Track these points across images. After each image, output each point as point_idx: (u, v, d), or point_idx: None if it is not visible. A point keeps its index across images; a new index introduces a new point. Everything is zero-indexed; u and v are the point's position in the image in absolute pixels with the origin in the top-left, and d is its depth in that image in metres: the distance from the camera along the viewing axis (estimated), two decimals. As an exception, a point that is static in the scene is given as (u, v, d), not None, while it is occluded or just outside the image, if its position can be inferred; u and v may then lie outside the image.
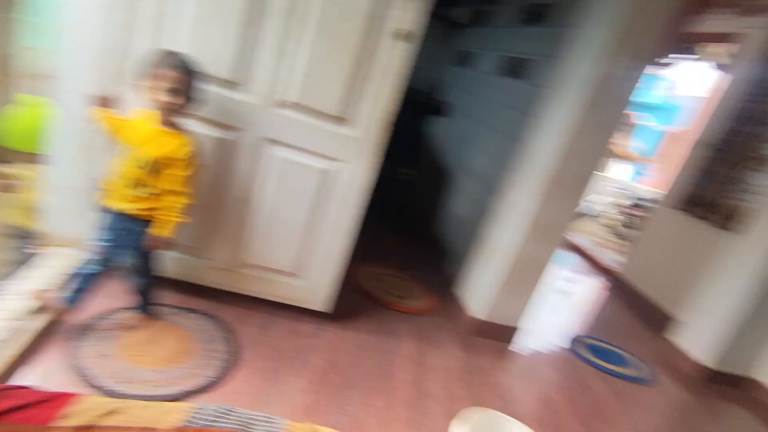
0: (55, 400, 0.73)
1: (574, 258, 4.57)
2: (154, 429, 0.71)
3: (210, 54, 1.68)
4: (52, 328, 1.60)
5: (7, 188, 2.37)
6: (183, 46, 1.65)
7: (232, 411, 0.78)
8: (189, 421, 0.74)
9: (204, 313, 1.94)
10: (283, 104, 1.79)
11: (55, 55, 1.74)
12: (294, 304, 2.12)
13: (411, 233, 3.75)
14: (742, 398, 2.69)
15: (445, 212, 3.55)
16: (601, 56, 2.04)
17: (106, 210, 1.57)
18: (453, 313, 2.66)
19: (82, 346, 1.57)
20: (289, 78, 1.75)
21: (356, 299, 2.48)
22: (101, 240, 1.56)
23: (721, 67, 4.06)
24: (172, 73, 1.45)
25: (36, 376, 1.41)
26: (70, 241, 1.88)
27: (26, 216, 2.04)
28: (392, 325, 2.35)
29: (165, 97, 1.46)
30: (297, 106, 1.80)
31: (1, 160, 2.32)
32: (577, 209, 2.39)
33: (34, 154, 2.12)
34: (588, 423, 2.09)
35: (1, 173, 2.60)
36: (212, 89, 1.72)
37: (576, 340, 2.86)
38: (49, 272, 1.75)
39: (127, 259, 1.67)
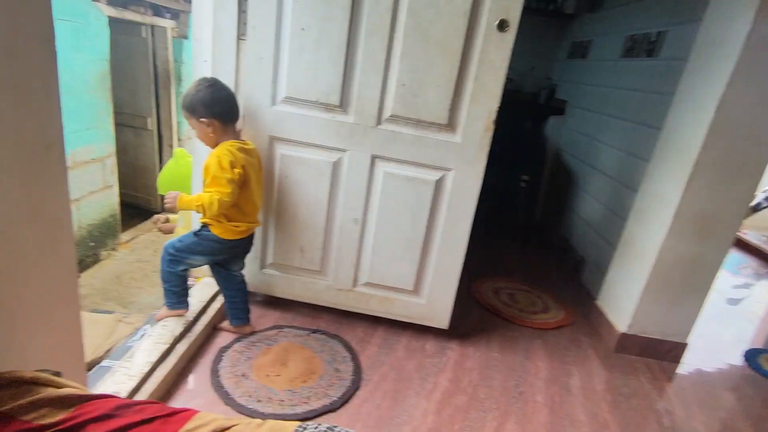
0: (178, 416, 0.76)
1: (747, 259, 3.81)
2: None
3: (311, 82, 1.75)
4: (198, 351, 1.76)
5: (168, 230, 2.76)
6: (287, 79, 1.76)
7: (332, 429, 0.73)
8: (294, 441, 0.71)
9: (326, 333, 1.98)
10: (385, 119, 1.78)
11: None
12: (414, 322, 2.06)
13: (534, 243, 3.48)
14: None
15: (572, 217, 3.23)
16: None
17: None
18: (592, 328, 2.36)
19: (223, 367, 1.69)
20: (390, 92, 1.75)
21: (479, 315, 2.34)
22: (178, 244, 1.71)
23: None
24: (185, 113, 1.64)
25: (182, 396, 1.55)
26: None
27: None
28: (521, 342, 2.15)
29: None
30: (399, 119, 1.78)
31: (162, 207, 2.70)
32: (749, 201, 1.97)
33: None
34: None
35: (161, 218, 3.05)
36: (318, 115, 1.79)
37: (753, 355, 2.33)
38: (195, 300, 1.94)
39: (198, 264, 1.78)
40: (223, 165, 1.57)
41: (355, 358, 1.85)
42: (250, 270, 2.02)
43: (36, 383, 0.74)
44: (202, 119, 1.60)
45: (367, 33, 1.68)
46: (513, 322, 2.31)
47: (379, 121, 1.79)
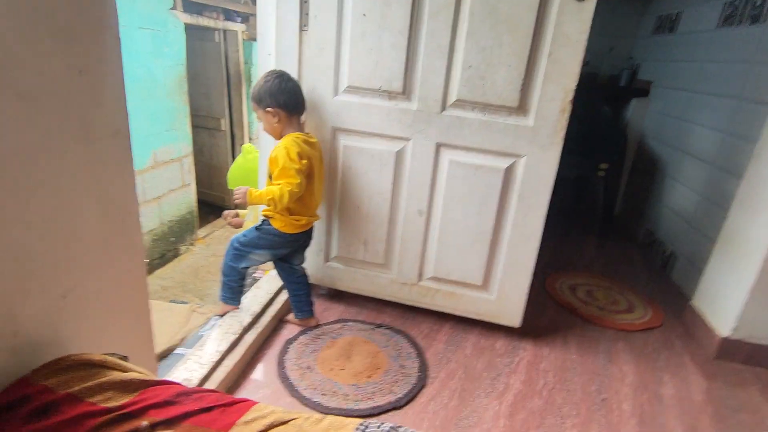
0: (237, 406, 0.73)
1: None
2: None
3: (373, 69, 1.70)
4: (265, 342, 1.78)
5: (237, 225, 2.85)
6: (349, 67, 1.72)
7: (396, 430, 0.66)
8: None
9: (391, 328, 1.92)
10: (450, 104, 1.69)
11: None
12: (482, 319, 1.95)
13: (615, 236, 3.21)
14: None
15: (659, 207, 2.93)
16: None
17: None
18: (686, 330, 2.11)
19: (288, 359, 1.70)
20: (455, 75, 1.66)
21: (554, 313, 2.18)
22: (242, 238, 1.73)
23: None
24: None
25: (249, 385, 1.57)
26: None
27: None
28: (603, 344, 1.97)
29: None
30: (465, 104, 1.68)
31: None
32: None
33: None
34: None
35: (231, 213, 3.16)
36: (381, 103, 1.74)
37: None
38: (262, 292, 1.97)
39: (261, 259, 1.78)
40: (291, 156, 1.56)
41: (420, 355, 1.79)
42: (315, 263, 2.02)
43: (104, 366, 0.75)
44: (268, 109, 1.61)
45: (430, 14, 1.60)
46: (592, 321, 2.12)
47: (443, 107, 1.71)
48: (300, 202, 1.67)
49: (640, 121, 3.42)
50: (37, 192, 0.70)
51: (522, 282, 1.84)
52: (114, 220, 0.86)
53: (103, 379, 0.72)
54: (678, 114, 2.86)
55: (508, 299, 1.88)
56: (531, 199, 1.72)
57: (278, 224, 1.68)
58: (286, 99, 1.62)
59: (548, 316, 2.15)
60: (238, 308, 1.81)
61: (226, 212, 1.91)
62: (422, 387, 1.62)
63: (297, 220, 1.69)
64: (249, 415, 0.72)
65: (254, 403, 0.76)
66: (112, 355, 0.79)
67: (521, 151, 1.68)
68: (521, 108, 1.64)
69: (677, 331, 2.11)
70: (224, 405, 0.73)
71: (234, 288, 1.79)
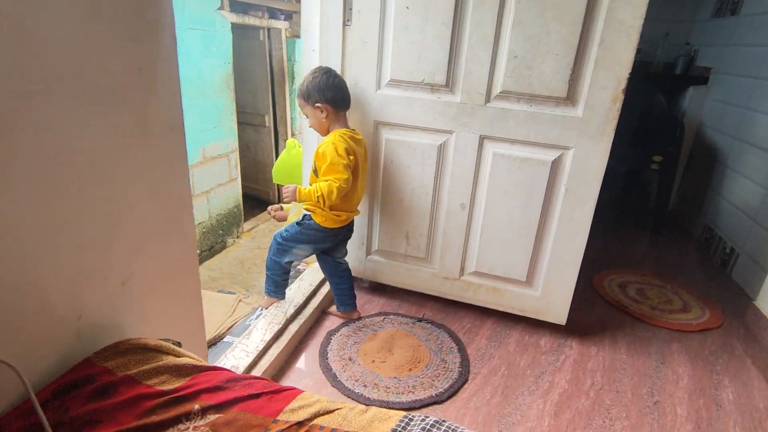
0: (284, 393, 0.75)
1: None
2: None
3: (415, 62, 1.69)
4: (308, 333, 1.81)
5: (282, 218, 2.92)
6: (392, 61, 1.72)
7: (441, 424, 0.66)
8: (397, 431, 0.66)
9: (432, 322, 1.92)
10: (495, 96, 1.66)
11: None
12: (526, 315, 1.91)
13: (668, 232, 3.05)
14: None
15: (718, 202, 2.75)
16: None
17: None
18: (748, 332, 1.98)
19: (331, 350, 1.73)
20: (500, 66, 1.62)
21: (602, 311, 2.10)
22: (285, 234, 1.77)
23: None
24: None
25: (293, 374, 1.61)
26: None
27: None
28: (656, 344, 1.88)
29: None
30: (510, 95, 1.64)
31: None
32: None
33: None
34: None
35: (275, 207, 3.24)
36: (423, 96, 1.73)
37: None
38: (305, 284, 2.01)
39: (303, 253, 1.80)
40: (339, 152, 1.57)
41: (462, 350, 1.77)
42: (356, 257, 2.04)
43: (159, 351, 0.79)
44: (317, 104, 1.63)
45: (475, 4, 1.57)
46: (644, 320, 2.03)
47: (488, 99, 1.67)
48: (343, 198, 1.67)
49: (698, 110, 3.23)
50: (101, 185, 0.74)
51: (568, 278, 1.78)
52: (169, 211, 0.89)
53: (159, 363, 0.76)
54: (740, 102, 2.68)
55: (553, 296, 1.83)
56: (579, 192, 1.66)
57: (319, 219, 1.70)
58: (333, 94, 1.63)
59: (595, 314, 2.08)
60: (280, 301, 1.85)
61: (270, 206, 1.95)
62: (464, 382, 1.61)
63: (337, 216, 1.70)
64: (295, 403, 0.73)
65: (300, 391, 0.78)
66: (167, 340, 0.83)
67: (569, 143, 1.62)
68: (569, 98, 1.58)
69: (738, 333, 1.98)
70: (271, 392, 0.75)
71: (278, 282, 1.83)
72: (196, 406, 0.70)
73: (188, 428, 0.66)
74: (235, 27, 3.80)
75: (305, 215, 1.73)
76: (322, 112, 1.64)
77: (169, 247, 0.92)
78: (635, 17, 1.44)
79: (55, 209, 0.67)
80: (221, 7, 3.63)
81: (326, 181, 1.57)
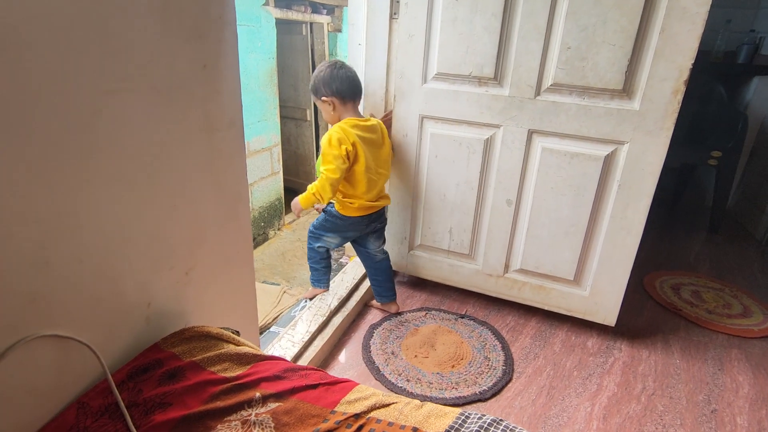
0: (340, 385, 0.76)
1: None
2: (419, 430, 0.65)
3: (463, 55, 1.66)
4: (351, 326, 1.84)
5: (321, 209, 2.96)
6: (438, 54, 1.70)
7: (499, 423, 0.65)
8: (454, 428, 0.65)
9: (474, 319, 1.90)
10: (545, 89, 1.61)
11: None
12: (573, 315, 1.86)
13: (727, 232, 2.89)
14: None
15: (784, 201, 2.58)
16: None
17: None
18: (817, 341, 1.85)
19: (374, 343, 1.74)
20: (552, 58, 1.57)
21: (653, 313, 2.02)
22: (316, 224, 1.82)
23: None
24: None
25: (337, 366, 1.63)
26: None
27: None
28: (713, 350, 1.79)
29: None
30: (562, 88, 1.59)
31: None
32: None
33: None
34: None
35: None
36: (471, 90, 1.70)
37: None
38: (348, 277, 2.04)
39: (333, 242, 1.83)
40: (332, 142, 1.59)
41: (506, 348, 1.74)
42: (398, 251, 2.04)
43: (220, 339, 0.82)
44: (323, 98, 1.65)
45: (526, -6, 1.53)
46: (699, 324, 1.94)
47: (538, 92, 1.63)
48: (348, 185, 1.69)
49: (763, 102, 3.03)
50: (168, 177, 0.77)
51: (619, 278, 1.72)
52: (228, 204, 0.92)
53: (221, 351, 0.79)
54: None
55: (602, 296, 1.77)
56: (633, 189, 1.60)
57: (337, 207, 1.74)
58: (338, 86, 1.64)
59: (646, 316, 2.00)
60: (326, 291, 1.88)
61: None
62: (508, 381, 1.59)
63: (351, 203, 1.71)
64: (352, 395, 0.74)
65: (356, 384, 0.79)
66: (227, 329, 0.86)
67: (624, 137, 1.56)
68: (626, 90, 1.52)
69: (805, 342, 1.86)
70: (328, 384, 0.76)
71: (318, 270, 1.88)
72: (257, 394, 0.72)
73: (251, 415, 0.68)
74: (278, 22, 3.86)
75: (330, 203, 1.77)
76: (330, 104, 1.66)
77: (227, 238, 0.95)
78: (700, 3, 1.36)
79: (129, 200, 0.70)
80: (266, 3, 3.69)
81: (323, 173, 1.61)
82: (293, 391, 0.74)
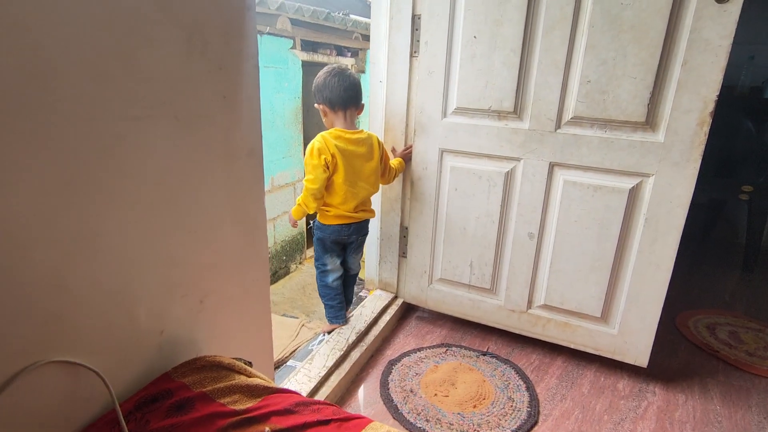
0: (354, 422, 0.73)
1: None
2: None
3: (482, 89, 1.68)
4: (369, 361, 1.79)
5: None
6: (458, 89, 1.72)
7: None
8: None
9: (497, 357, 1.82)
10: (566, 122, 1.60)
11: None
12: (601, 354, 1.77)
13: (763, 270, 2.75)
14: None
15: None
16: None
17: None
18: None
19: (392, 380, 1.68)
20: (572, 91, 1.57)
21: (688, 355, 1.90)
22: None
23: None
24: None
25: (354, 403, 1.58)
26: (383, 284, 2.14)
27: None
28: (756, 396, 1.66)
29: None
30: (583, 121, 1.58)
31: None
32: None
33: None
34: None
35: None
36: (490, 123, 1.71)
37: None
38: (367, 311, 2.00)
39: (329, 264, 1.85)
40: (312, 152, 1.65)
41: (530, 388, 1.66)
42: (419, 284, 2.01)
43: (232, 369, 0.80)
44: (316, 104, 1.73)
45: (545, 29, 1.55)
46: (739, 368, 1.81)
47: (558, 125, 1.62)
48: (326, 194, 1.73)
49: (794, 136, 2.95)
50: (188, 204, 0.78)
51: (650, 316, 1.64)
52: (246, 233, 0.92)
53: (232, 382, 0.76)
54: None
55: (632, 334, 1.69)
56: (660, 222, 1.54)
57: (319, 216, 1.79)
58: (328, 94, 1.68)
59: (681, 357, 1.89)
60: (341, 326, 1.85)
61: None
62: (534, 424, 1.50)
63: (327, 211, 1.75)
64: (364, 432, 0.71)
65: (370, 420, 0.75)
66: (239, 359, 0.84)
67: (649, 169, 1.52)
68: (649, 123, 1.50)
69: None
70: (341, 419, 0.73)
71: (334, 306, 1.87)
72: (267, 429, 0.69)
73: (259, 450, 0.65)
74: (305, 64, 4.01)
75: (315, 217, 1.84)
76: (323, 112, 1.73)
77: (244, 268, 0.94)
78: (723, 36, 1.35)
79: (150, 226, 0.71)
80: (293, 47, 3.85)
81: (304, 183, 1.68)
82: (304, 426, 0.70)
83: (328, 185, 1.70)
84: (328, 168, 1.64)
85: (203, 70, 0.77)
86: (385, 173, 1.85)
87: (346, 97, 1.69)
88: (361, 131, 1.74)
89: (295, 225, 1.85)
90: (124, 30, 0.62)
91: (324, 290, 1.87)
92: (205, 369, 0.78)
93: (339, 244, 1.84)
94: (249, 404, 0.74)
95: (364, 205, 1.81)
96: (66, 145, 0.57)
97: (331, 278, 1.84)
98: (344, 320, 1.87)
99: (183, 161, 0.75)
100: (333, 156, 1.65)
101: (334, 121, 1.73)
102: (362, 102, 1.76)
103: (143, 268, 0.71)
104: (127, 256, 0.68)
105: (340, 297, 1.88)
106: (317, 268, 1.86)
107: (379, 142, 1.79)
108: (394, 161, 1.88)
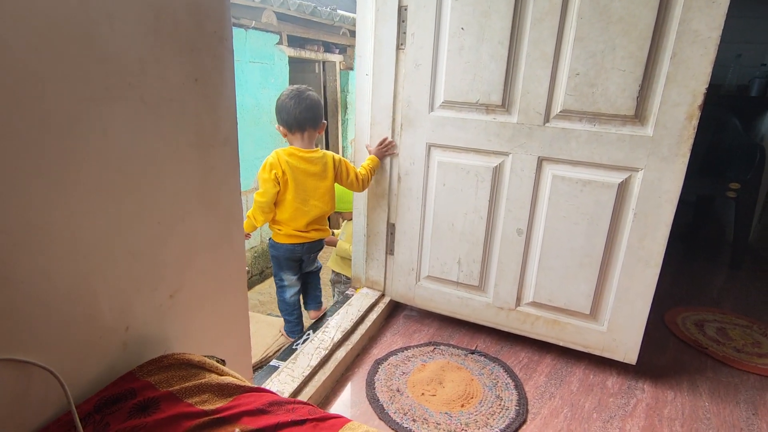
0: (330, 422, 0.69)
1: None
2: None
3: (470, 82, 1.65)
4: (355, 360, 1.75)
5: (332, 243, 2.92)
6: (445, 82, 1.69)
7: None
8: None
9: (485, 355, 1.79)
10: (555, 116, 1.58)
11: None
12: (590, 352, 1.74)
13: (750, 266, 2.76)
14: None
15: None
16: None
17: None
18: None
19: (378, 380, 1.64)
20: (560, 84, 1.54)
21: (676, 352, 1.89)
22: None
23: None
24: None
25: (338, 403, 1.54)
26: (370, 282, 2.09)
27: (345, 264, 2.41)
28: (744, 392, 1.65)
29: None
30: (571, 114, 1.55)
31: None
32: None
33: (348, 213, 2.53)
34: None
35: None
36: (478, 117, 1.68)
37: None
38: (353, 309, 1.96)
39: (287, 280, 1.91)
40: (264, 167, 1.69)
41: (519, 387, 1.63)
42: (406, 282, 1.97)
43: (202, 368, 0.75)
44: (276, 126, 1.79)
45: (533, 21, 1.52)
46: (727, 364, 1.80)
47: (547, 119, 1.59)
48: (279, 211, 1.76)
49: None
50: (154, 193, 0.73)
51: (638, 313, 1.62)
52: (220, 225, 0.88)
53: (202, 381, 0.72)
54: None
55: (621, 331, 1.67)
56: (650, 217, 1.52)
57: (273, 234, 1.82)
58: (285, 116, 1.73)
59: (669, 354, 1.87)
60: (292, 342, 1.82)
61: None
62: (522, 423, 1.47)
63: (279, 230, 1.78)
64: (341, 432, 0.67)
65: (347, 420, 0.71)
66: (211, 357, 0.80)
67: (638, 164, 1.50)
68: (638, 116, 1.47)
69: None
70: (317, 419, 0.69)
71: (291, 321, 1.96)
72: (237, 430, 0.65)
73: (227, 453, 0.61)
74: (292, 60, 3.96)
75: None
76: (282, 133, 1.77)
77: (218, 261, 0.90)
78: (712, 28, 1.33)
79: (110, 215, 0.66)
80: (280, 42, 3.80)
81: (255, 196, 1.72)
82: (277, 426, 0.66)
83: (278, 201, 1.74)
84: (278, 183, 1.68)
85: (173, 51, 0.73)
86: (354, 183, 1.85)
87: (302, 119, 1.74)
88: (317, 150, 1.79)
89: (247, 237, 1.86)
90: (77, 2, 0.58)
91: (282, 305, 1.95)
92: (172, 367, 0.73)
93: (294, 261, 1.90)
94: (219, 404, 0.69)
95: (318, 224, 1.84)
96: (8, 125, 0.53)
97: (288, 294, 1.91)
98: (300, 334, 1.84)
99: (149, 147, 0.71)
100: (284, 172, 1.70)
101: (292, 142, 1.77)
102: (323, 122, 1.82)
103: (103, 260, 0.66)
104: (84, 247, 0.63)
105: (297, 312, 1.96)
106: (276, 283, 1.92)
107: (335, 161, 1.82)
108: (365, 163, 1.86)
